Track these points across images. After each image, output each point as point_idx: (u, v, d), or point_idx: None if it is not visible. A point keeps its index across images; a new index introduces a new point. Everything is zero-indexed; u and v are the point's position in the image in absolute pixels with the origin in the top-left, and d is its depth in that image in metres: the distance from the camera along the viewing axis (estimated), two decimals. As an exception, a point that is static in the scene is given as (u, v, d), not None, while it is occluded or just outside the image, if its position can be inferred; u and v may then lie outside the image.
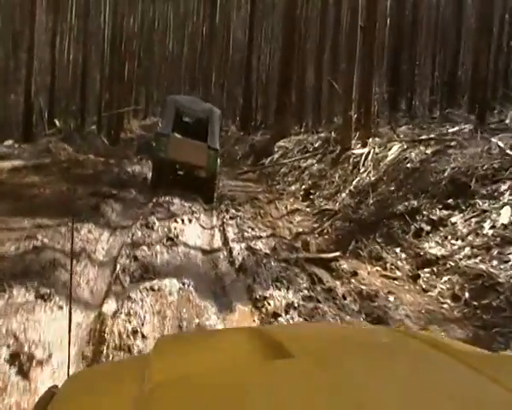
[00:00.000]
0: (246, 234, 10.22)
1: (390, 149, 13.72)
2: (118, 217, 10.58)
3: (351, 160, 14.94)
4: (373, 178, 12.82)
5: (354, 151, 15.24)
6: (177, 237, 9.23)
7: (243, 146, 28.76)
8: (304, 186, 15.72)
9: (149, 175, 15.67)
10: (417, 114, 23.45)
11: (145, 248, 8.15)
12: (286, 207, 13.45)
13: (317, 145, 19.76)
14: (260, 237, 10.11)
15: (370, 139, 14.77)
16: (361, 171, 13.70)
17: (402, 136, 15.38)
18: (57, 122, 28.30)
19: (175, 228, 9.70)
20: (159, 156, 13.13)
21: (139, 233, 9.15)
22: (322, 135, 21.04)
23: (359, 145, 15.50)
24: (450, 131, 15.67)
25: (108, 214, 10.40)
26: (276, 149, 22.10)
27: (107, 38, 35.71)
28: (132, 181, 14.40)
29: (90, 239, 8.65)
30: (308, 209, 12.96)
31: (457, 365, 1.24)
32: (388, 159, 13.29)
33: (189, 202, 12.07)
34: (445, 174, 10.21)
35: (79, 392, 1.40)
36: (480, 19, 20.04)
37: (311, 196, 14.29)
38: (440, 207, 9.51)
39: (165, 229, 9.56)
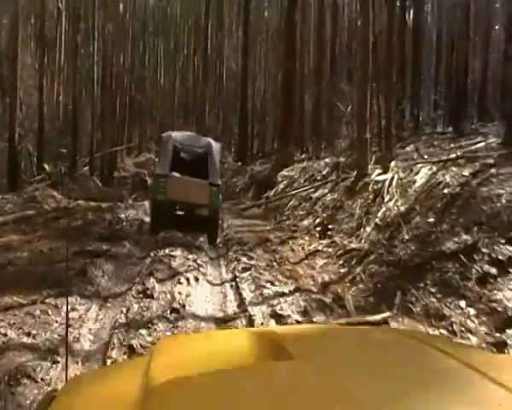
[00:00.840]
0: (265, 291, 8.17)
1: (417, 173, 11.75)
2: (109, 281, 8.51)
3: (370, 187, 12.96)
4: (402, 208, 10.80)
5: (374, 177, 13.29)
6: (183, 306, 7.18)
7: (242, 177, 26.82)
8: (318, 220, 13.69)
9: (145, 220, 13.80)
10: (435, 132, 21.51)
11: (143, 332, 6.07)
12: (303, 248, 11.40)
13: (325, 172, 17.79)
14: (283, 295, 8.06)
15: (392, 163, 12.79)
16: (385, 200, 11.70)
17: (426, 156, 13.43)
18: (47, 167, 26.33)
19: (179, 293, 7.64)
20: (157, 198, 12.09)
21: (135, 306, 7.09)
22: (329, 161, 19.12)
23: (378, 170, 13.54)
24: (478, 146, 13.76)
25: (98, 280, 8.33)
26: (279, 179, 20.13)
27: (98, 76, 33.99)
28: (126, 230, 12.33)
29: (73, 319, 6.60)
30: (330, 250, 10.90)
31: (460, 366, 1.20)
32: (417, 184, 11.31)
33: (193, 254, 10.04)
34: (503, 200, 8.21)
35: (79, 395, 1.38)
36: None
37: (330, 233, 12.27)
38: (504, 242, 7.49)
39: (168, 296, 7.51)
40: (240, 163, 31.39)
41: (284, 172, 20.42)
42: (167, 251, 9.90)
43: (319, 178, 17.60)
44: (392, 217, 10.85)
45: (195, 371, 1.29)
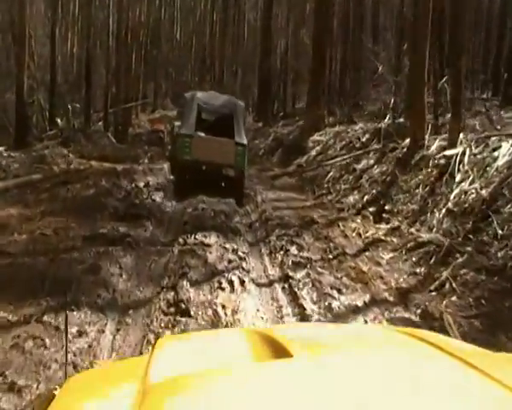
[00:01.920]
0: (333, 303, 6.00)
1: (497, 149, 9.43)
2: (128, 282, 6.31)
3: (431, 162, 10.67)
4: (484, 192, 8.54)
5: (433, 149, 10.98)
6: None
7: (265, 140, 24.46)
8: (366, 197, 11.44)
9: (167, 189, 11.62)
10: (479, 98, 18.98)
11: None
12: (359, 235, 9.15)
13: (364, 139, 15.47)
14: (358, 310, 5.90)
15: (461, 134, 10.44)
16: (457, 180, 9.43)
17: (499, 127, 11.10)
18: (59, 121, 24.04)
19: (223, 307, 5.48)
20: (183, 158, 11.51)
21: (166, 332, 4.93)
22: (367, 126, 16.75)
23: (439, 142, 11.22)
24: None
25: (114, 280, 6.14)
26: (310, 145, 17.77)
27: (113, 29, 31.34)
28: (147, 205, 9.98)
29: (80, 351, 4.48)
30: (394, 240, 8.64)
31: (461, 365, 1.16)
32: (499, 162, 9.01)
33: (230, 242, 7.81)
34: None
35: (79, 393, 1.35)
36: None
37: (386, 215, 10.04)
38: None
39: (209, 311, 5.35)
40: (260, 124, 28.98)
41: (315, 137, 18.04)
42: (199, 237, 7.68)
43: (358, 145, 15.28)
44: (470, 202, 8.58)
45: (195, 370, 1.23)
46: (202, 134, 11.77)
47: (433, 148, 11.16)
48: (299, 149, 17.87)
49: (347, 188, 12.35)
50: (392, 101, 20.93)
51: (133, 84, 37.01)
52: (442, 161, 10.42)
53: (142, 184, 11.59)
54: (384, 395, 1.03)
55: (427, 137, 11.68)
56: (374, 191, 11.50)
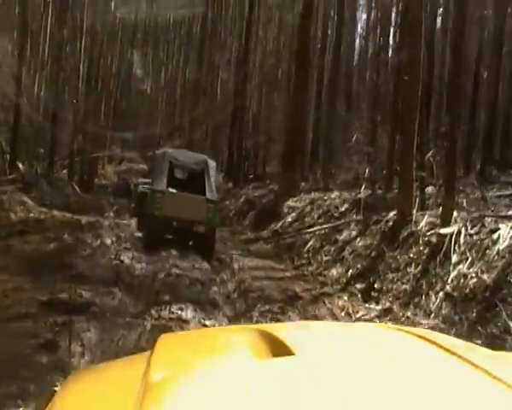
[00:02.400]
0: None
1: (495, 231, 8.79)
2: (92, 364, 5.23)
3: (420, 239, 9.99)
4: (486, 277, 7.82)
5: (423, 226, 10.32)
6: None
7: (235, 201, 23.65)
8: (351, 271, 10.64)
9: (136, 247, 10.64)
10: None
11: None
12: (349, 315, 8.26)
13: (343, 209, 14.81)
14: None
15: (455, 212, 9.80)
16: (454, 260, 8.71)
17: (492, 208, 10.53)
18: (21, 166, 22.77)
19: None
20: (154, 214, 11.40)
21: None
22: (345, 195, 16.13)
23: (427, 218, 10.58)
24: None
25: (74, 363, 5.03)
26: (285, 211, 17.01)
27: (83, 75, 30.61)
28: (115, 267, 8.88)
29: None
30: (389, 324, 7.78)
31: (461, 364, 1.14)
32: (501, 247, 8.33)
33: (209, 317, 6.81)
34: None
35: (79, 391, 1.33)
36: None
37: (376, 294, 9.21)
38: None
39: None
40: (231, 184, 28.25)
41: (290, 203, 17.29)
42: (175, 310, 6.66)
43: (337, 215, 14.58)
44: (472, 288, 7.85)
45: (195, 368, 1.22)
46: (174, 190, 11.69)
47: (422, 223, 10.50)
48: (274, 214, 17.07)
49: (329, 260, 11.52)
50: (367, 171, 20.64)
51: (101, 134, 36.10)
52: (433, 239, 9.74)
53: (108, 242, 10.49)
54: (384, 394, 0.99)
55: (414, 211, 11.04)
56: (359, 266, 10.71)
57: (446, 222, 9.69)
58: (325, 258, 11.72)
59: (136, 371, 1.24)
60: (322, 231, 13.25)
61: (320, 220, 14.54)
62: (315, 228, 13.61)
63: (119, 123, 41.88)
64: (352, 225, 12.98)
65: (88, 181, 28.27)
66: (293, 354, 1.17)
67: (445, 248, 9.06)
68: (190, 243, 11.65)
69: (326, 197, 16.79)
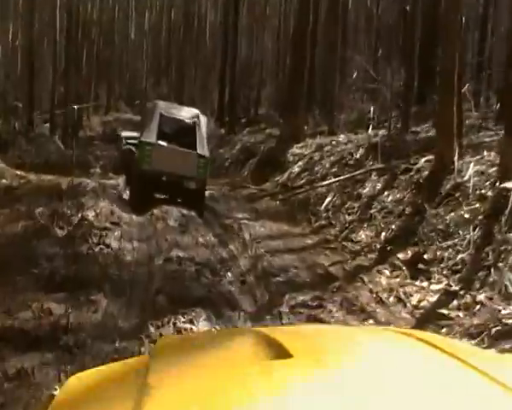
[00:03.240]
0: None
1: None
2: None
3: (471, 194, 7.94)
4: None
5: (467, 176, 8.27)
6: None
7: (230, 149, 21.46)
8: (384, 234, 8.63)
9: (125, 224, 8.52)
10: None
11: None
12: (401, 301, 6.28)
13: (358, 155, 12.69)
14: None
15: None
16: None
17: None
18: (-4, 122, 20.42)
19: None
20: (142, 168, 10.74)
21: None
22: (360, 139, 14.00)
23: (472, 167, 8.52)
24: None
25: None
26: (290, 159, 14.86)
27: (62, 24, 27.74)
28: (99, 258, 6.64)
29: None
30: (460, 315, 5.78)
31: (460, 366, 1.11)
32: None
33: (226, 322, 4.82)
34: None
35: (78, 393, 1.28)
36: None
37: (426, 267, 7.21)
38: None
39: None
40: (223, 130, 25.96)
41: (295, 150, 15.13)
42: (181, 324, 4.61)
43: (352, 162, 12.48)
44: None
45: (194, 370, 1.18)
46: (164, 143, 10.93)
47: (469, 174, 8.45)
48: (277, 164, 14.93)
49: (354, 220, 9.45)
50: (372, 110, 18.46)
51: (84, 84, 33.38)
52: (490, 194, 7.71)
53: (91, 215, 8.26)
54: (384, 395, 0.98)
55: (455, 159, 8.97)
56: (392, 227, 8.69)
57: (507, 172, 7.64)
58: (348, 217, 9.65)
59: (136, 374, 1.21)
60: (339, 184, 11.16)
61: (333, 170, 12.42)
62: (330, 180, 11.50)
63: (104, 72, 39.01)
64: (373, 174, 10.92)
65: (72, 135, 25.86)
66: (291, 357, 1.12)
67: (510, 206, 7.04)
68: (179, 200, 10.89)
69: (334, 142, 14.66)
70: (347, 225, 9.41)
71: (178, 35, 37.81)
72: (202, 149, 10.98)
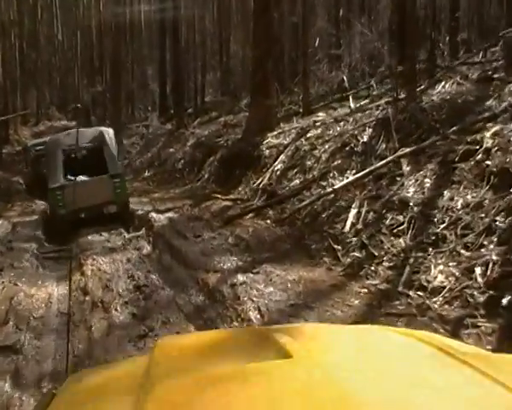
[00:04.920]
0: None
1: None
2: None
3: None
4: None
5: None
6: None
7: (181, 146, 17.20)
8: (479, 270, 4.77)
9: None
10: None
11: None
12: None
13: (366, 138, 8.72)
14: None
15: None
16: None
17: None
18: None
19: None
20: (57, 213, 9.79)
21: None
22: (359, 115, 10.03)
23: None
24: None
25: None
26: (266, 153, 10.77)
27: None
28: None
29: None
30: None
31: (460, 366, 1.07)
32: None
33: None
34: None
35: (78, 392, 1.27)
36: None
37: None
38: None
39: None
40: (169, 126, 21.61)
41: (271, 140, 11.06)
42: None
43: (360, 148, 8.49)
44: None
45: (194, 370, 1.13)
46: (73, 180, 9.86)
47: None
48: (249, 161, 10.84)
49: (411, 246, 5.46)
50: (346, 79, 14.74)
51: (9, 93, 28.25)
52: None
53: None
54: (383, 395, 0.94)
55: None
56: (487, 255, 4.79)
57: None
58: (399, 242, 5.66)
59: (136, 374, 1.16)
60: (357, 183, 7.18)
61: (336, 163, 8.42)
62: (346, 179, 7.45)
63: (30, 77, 33.70)
64: (404, 165, 6.99)
65: (-5, 152, 21.08)
66: (291, 357, 1.09)
67: None
68: (106, 222, 9.97)
69: (320, 123, 10.70)
70: (402, 255, 5.42)
71: (110, 29, 32.83)
72: (114, 167, 10.17)
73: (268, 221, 7.73)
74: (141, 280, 5.82)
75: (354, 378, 1.00)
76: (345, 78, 14.92)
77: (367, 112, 9.89)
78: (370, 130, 8.84)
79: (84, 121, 26.84)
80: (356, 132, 8.97)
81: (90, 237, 8.54)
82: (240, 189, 10.41)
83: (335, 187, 7.24)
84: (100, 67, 34.04)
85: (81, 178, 10.07)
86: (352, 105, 11.87)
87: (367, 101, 11.83)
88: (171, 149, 17.64)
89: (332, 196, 7.23)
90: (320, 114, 12.32)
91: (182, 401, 0.98)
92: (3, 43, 28.28)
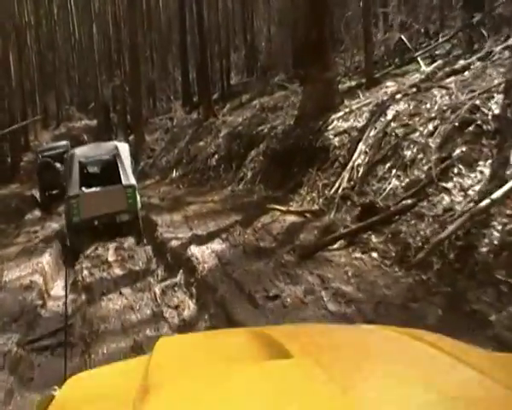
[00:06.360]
0: None
1: None
2: None
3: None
4: None
5: None
6: None
7: (213, 138, 14.19)
8: None
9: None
10: None
11: None
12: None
13: (499, 110, 5.58)
14: None
15: None
16: None
17: None
18: None
19: None
20: (73, 221, 9.58)
21: None
22: (467, 75, 6.85)
23: None
24: None
25: None
26: (335, 142, 7.68)
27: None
28: None
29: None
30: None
31: (460, 365, 1.01)
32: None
33: None
34: None
35: (78, 394, 1.21)
36: None
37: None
38: None
39: None
40: (196, 115, 18.61)
41: (338, 123, 7.94)
42: None
43: (492, 127, 5.38)
44: None
45: (194, 370, 1.10)
46: (88, 190, 9.91)
47: None
48: (313, 153, 7.74)
49: None
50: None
51: (27, 97, 25.60)
52: None
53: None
54: (382, 395, 0.90)
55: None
56: None
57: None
58: None
59: (136, 374, 1.12)
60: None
61: (460, 151, 5.33)
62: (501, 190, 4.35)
63: (49, 78, 30.95)
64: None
65: (12, 165, 18.37)
66: (291, 357, 1.05)
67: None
68: (118, 230, 9.70)
69: (407, 93, 7.55)
70: None
71: (127, 18, 29.70)
72: (127, 178, 9.96)
73: (374, 255, 4.65)
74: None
75: (354, 378, 0.96)
76: (404, 38, 11.72)
77: (480, 72, 6.67)
78: (500, 96, 5.67)
79: (103, 119, 24.17)
80: (478, 102, 5.79)
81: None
82: (302, 193, 7.34)
83: (493, 197, 4.09)
84: (118, 61, 31.06)
85: (97, 187, 10.19)
86: (425, 68, 8.81)
87: (440, 62, 8.75)
88: (201, 143, 14.64)
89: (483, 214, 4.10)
90: (388, 83, 9.22)
91: (182, 400, 0.93)
92: (20, 47, 25.55)
